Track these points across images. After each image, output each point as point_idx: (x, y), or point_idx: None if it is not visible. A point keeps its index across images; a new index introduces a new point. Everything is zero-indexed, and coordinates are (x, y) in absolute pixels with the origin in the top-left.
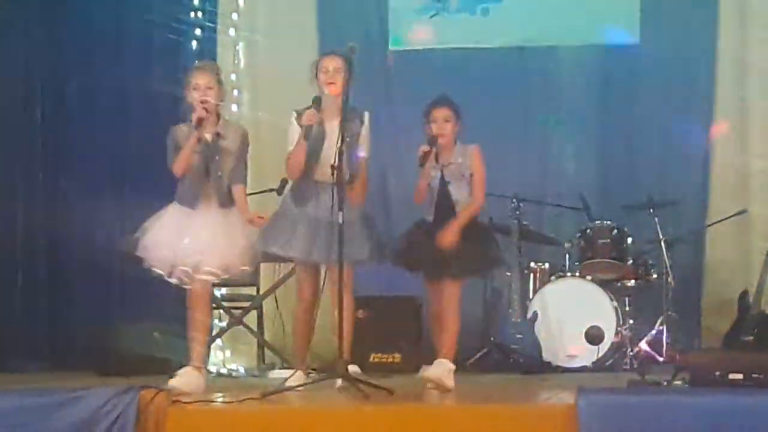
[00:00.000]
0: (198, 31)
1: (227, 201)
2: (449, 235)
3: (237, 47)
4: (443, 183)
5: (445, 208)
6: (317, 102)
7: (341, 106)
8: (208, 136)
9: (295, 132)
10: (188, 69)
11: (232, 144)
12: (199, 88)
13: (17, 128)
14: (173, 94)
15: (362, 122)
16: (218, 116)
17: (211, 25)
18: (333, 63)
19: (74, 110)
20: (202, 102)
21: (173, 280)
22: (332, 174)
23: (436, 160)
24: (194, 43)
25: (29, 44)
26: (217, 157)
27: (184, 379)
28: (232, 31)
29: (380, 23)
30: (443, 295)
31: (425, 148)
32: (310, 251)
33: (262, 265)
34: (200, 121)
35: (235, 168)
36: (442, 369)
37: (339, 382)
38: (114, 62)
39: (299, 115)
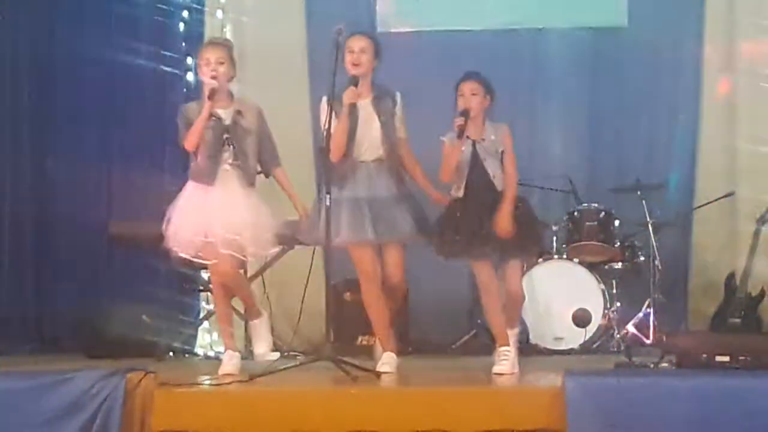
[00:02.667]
0: (185, 13)
1: (252, 181)
2: (504, 222)
3: (224, 29)
4: (476, 158)
5: (480, 183)
6: (353, 81)
7: (369, 85)
8: (223, 114)
9: (324, 112)
10: (201, 44)
11: (252, 122)
12: (209, 62)
13: (3, 109)
14: (161, 76)
15: (395, 102)
16: (231, 93)
17: (198, 6)
18: (359, 43)
19: (61, 91)
20: (213, 75)
21: (204, 261)
22: (322, 155)
23: (466, 135)
24: (181, 25)
25: (16, 25)
26: (240, 136)
27: (234, 363)
28: (219, 13)
29: (368, 5)
30: (506, 273)
31: (459, 120)
32: (360, 232)
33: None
34: (213, 92)
35: (263, 149)
36: (508, 360)
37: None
38: (101, 44)
39: (330, 98)
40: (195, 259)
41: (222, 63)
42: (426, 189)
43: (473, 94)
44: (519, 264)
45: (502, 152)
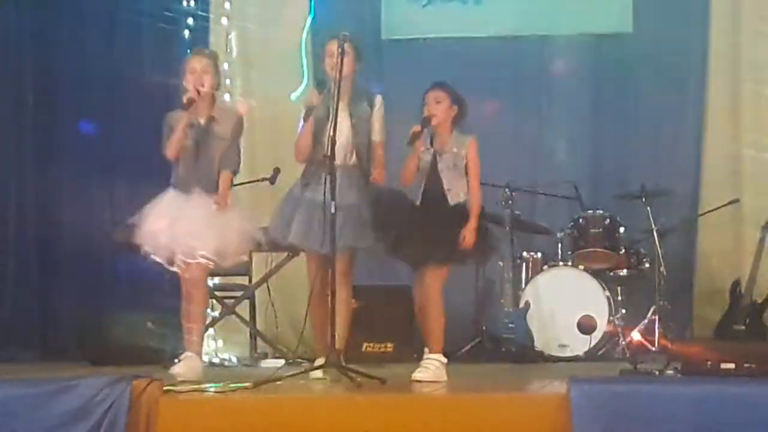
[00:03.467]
0: (190, 20)
1: (213, 187)
2: (469, 237)
3: (229, 36)
4: (435, 169)
5: (434, 194)
6: (321, 84)
7: (348, 89)
8: (201, 120)
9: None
10: (184, 59)
11: (225, 129)
12: (195, 72)
13: (8, 117)
14: (165, 84)
15: (372, 106)
16: (213, 101)
17: (203, 14)
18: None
19: (65, 99)
20: (195, 86)
21: (173, 268)
22: (325, 163)
23: (431, 144)
24: (186, 33)
25: (20, 33)
26: (209, 142)
27: (188, 365)
28: (224, 20)
29: (373, 12)
30: (425, 282)
31: (416, 127)
32: (306, 237)
33: (255, 255)
34: (191, 102)
35: (225, 153)
36: (430, 368)
37: (313, 374)
38: (106, 51)
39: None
40: (165, 264)
41: (207, 73)
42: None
43: (437, 103)
44: (439, 272)
45: (466, 165)
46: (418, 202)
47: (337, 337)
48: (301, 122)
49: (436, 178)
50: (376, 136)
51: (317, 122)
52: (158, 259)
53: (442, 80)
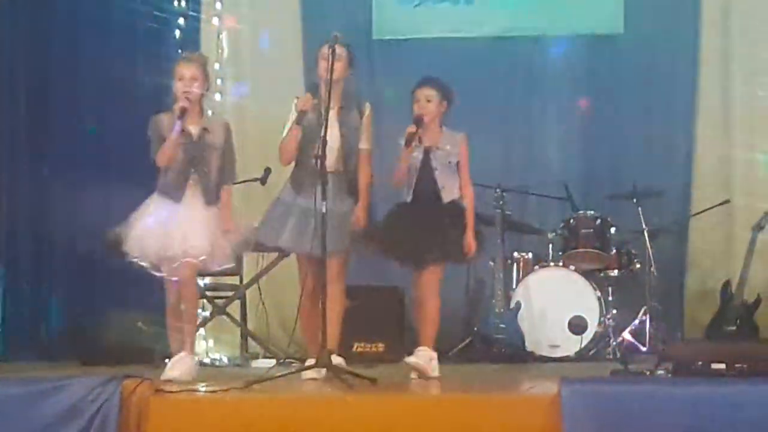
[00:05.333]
0: (181, 20)
1: (213, 199)
2: (470, 242)
3: (220, 36)
4: (427, 167)
5: (427, 192)
6: (314, 89)
7: (339, 94)
8: (193, 130)
9: (291, 115)
10: (175, 60)
11: (218, 139)
12: (183, 78)
13: (0, 117)
14: (157, 84)
15: (361, 113)
16: (201, 109)
17: (194, 14)
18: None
19: (58, 100)
20: (185, 93)
21: (160, 273)
22: (315, 163)
23: (419, 141)
24: (177, 33)
25: (12, 33)
26: (204, 154)
27: (184, 367)
28: (215, 21)
29: (364, 12)
30: (422, 280)
31: (411, 128)
32: (299, 241)
33: (246, 255)
34: (183, 112)
35: (222, 167)
36: (423, 357)
37: (305, 374)
38: (98, 51)
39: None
40: (151, 270)
41: (195, 79)
42: (360, 205)
43: (428, 101)
44: (436, 271)
45: (458, 163)
46: (408, 200)
47: (329, 337)
48: (288, 125)
49: (428, 175)
50: (364, 144)
51: (306, 126)
52: (145, 265)
53: (430, 76)
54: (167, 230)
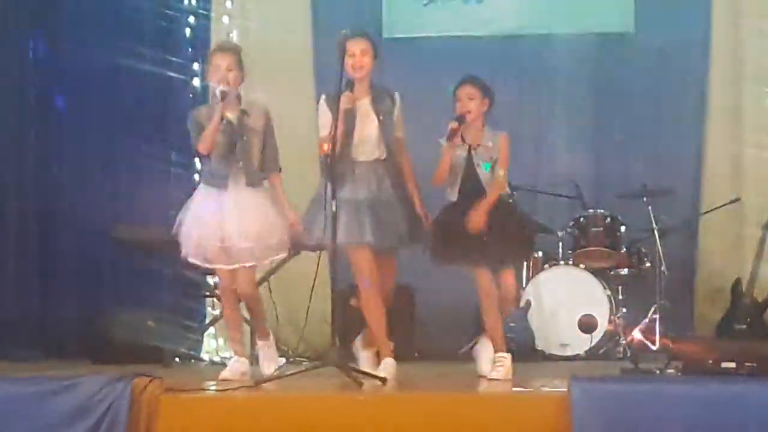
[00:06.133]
0: (192, 19)
1: (256, 180)
2: (478, 217)
3: (231, 35)
4: (471, 165)
5: (473, 189)
6: (350, 86)
7: (367, 85)
8: (231, 115)
9: (324, 115)
10: (211, 50)
11: (258, 122)
12: (219, 69)
13: (9, 113)
14: (167, 81)
15: (394, 101)
16: (239, 97)
17: (204, 12)
18: (360, 46)
19: (67, 98)
20: (220, 83)
21: (214, 266)
22: (327, 161)
23: (463, 139)
24: (188, 31)
25: (21, 30)
26: (244, 137)
27: (237, 367)
28: (225, 19)
29: (374, 11)
30: (477, 280)
31: (453, 124)
32: (357, 234)
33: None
34: (224, 96)
35: (265, 152)
36: (507, 366)
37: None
38: (107, 48)
39: (329, 98)
40: (208, 265)
41: (231, 70)
42: (413, 198)
43: (470, 99)
44: (512, 270)
45: (497, 159)
46: (454, 199)
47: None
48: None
49: (472, 173)
50: (399, 132)
51: (346, 121)
52: (197, 262)
53: (472, 75)
54: (217, 219)
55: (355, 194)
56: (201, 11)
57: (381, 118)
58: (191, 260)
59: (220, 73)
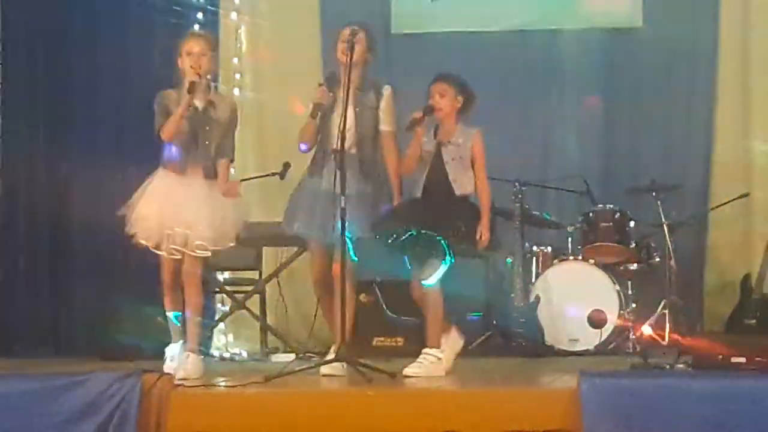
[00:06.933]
0: (200, 15)
1: (212, 172)
2: (485, 234)
3: (239, 31)
4: (439, 160)
5: (438, 185)
6: (330, 78)
7: (356, 76)
8: (198, 104)
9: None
10: (183, 36)
11: (222, 114)
12: (192, 54)
13: (19, 111)
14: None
15: (379, 95)
16: (209, 86)
17: (212, 8)
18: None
19: (76, 96)
20: (193, 68)
21: (161, 252)
22: (334, 158)
23: (435, 135)
24: (196, 27)
25: (31, 27)
26: (207, 127)
27: (190, 367)
28: (234, 15)
29: (383, 7)
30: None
31: (417, 113)
32: (311, 225)
33: (265, 249)
34: (192, 86)
35: (222, 142)
36: (425, 365)
37: (323, 369)
38: (116, 45)
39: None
40: (154, 250)
41: (204, 55)
42: (393, 187)
43: (441, 96)
44: None
45: (472, 158)
46: (419, 194)
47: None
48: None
49: (439, 169)
50: (386, 126)
51: (323, 113)
52: (145, 243)
53: (447, 71)
54: (169, 208)
55: (320, 185)
56: (209, 8)
57: (358, 110)
58: (138, 240)
59: (193, 58)
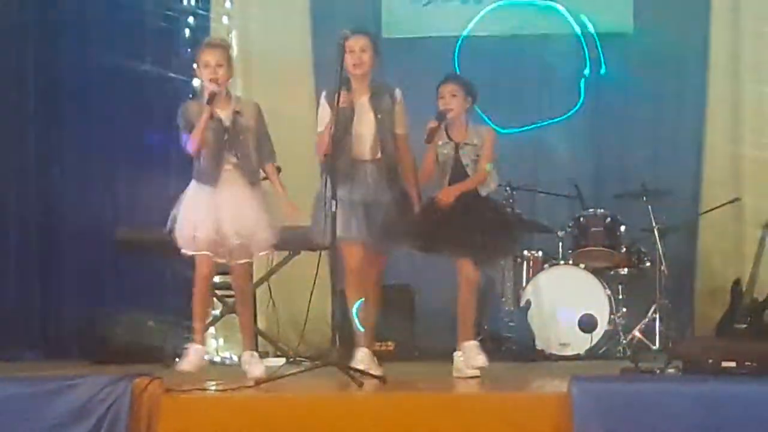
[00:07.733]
0: (191, 19)
1: (255, 179)
2: (449, 192)
3: (230, 35)
4: (459, 163)
5: None
6: (347, 83)
7: (368, 83)
8: (223, 115)
9: (323, 109)
10: (199, 46)
11: (250, 120)
12: (209, 65)
13: (9, 114)
14: (167, 81)
15: (394, 98)
16: (229, 94)
17: (204, 12)
18: (360, 43)
19: (67, 98)
20: (212, 79)
21: (204, 253)
22: (324, 161)
23: (449, 137)
24: (187, 31)
25: (22, 30)
26: (240, 137)
27: (194, 360)
28: (225, 19)
29: (374, 11)
30: (464, 274)
31: (432, 123)
32: (350, 230)
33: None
34: (212, 96)
35: (260, 146)
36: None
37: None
38: (107, 49)
39: (330, 94)
40: (199, 253)
41: (221, 65)
42: (411, 192)
43: (453, 96)
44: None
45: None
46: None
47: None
48: (324, 120)
49: (460, 170)
50: (400, 129)
51: (339, 120)
52: (190, 252)
53: (454, 72)
54: (213, 213)
55: (351, 195)
56: (200, 12)
57: (379, 116)
58: (186, 252)
59: (210, 69)
